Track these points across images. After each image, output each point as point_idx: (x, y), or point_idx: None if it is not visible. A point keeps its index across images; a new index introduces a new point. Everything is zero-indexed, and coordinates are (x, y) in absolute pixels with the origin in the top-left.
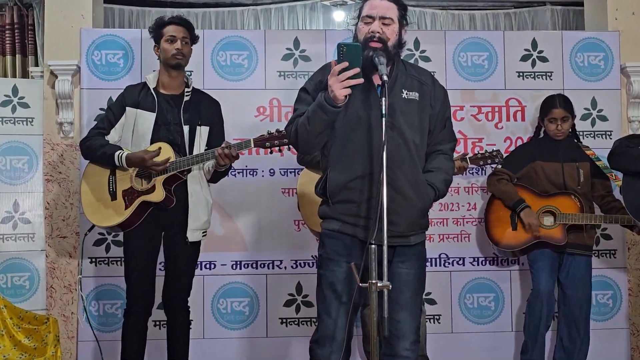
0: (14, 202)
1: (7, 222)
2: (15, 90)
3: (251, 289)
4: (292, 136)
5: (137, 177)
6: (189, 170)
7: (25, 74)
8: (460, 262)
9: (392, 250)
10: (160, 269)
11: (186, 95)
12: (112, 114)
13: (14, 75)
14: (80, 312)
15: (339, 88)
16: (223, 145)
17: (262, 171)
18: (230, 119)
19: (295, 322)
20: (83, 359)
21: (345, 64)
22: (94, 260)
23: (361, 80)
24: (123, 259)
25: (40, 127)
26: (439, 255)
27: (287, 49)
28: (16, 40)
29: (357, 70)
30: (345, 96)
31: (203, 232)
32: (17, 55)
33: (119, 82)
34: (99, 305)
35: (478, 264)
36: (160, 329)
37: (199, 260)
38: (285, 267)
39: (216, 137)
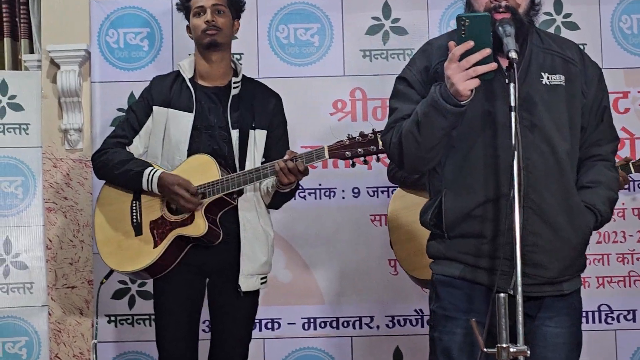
0: (5, 240)
1: None
2: (3, 87)
3: (330, 358)
4: (394, 150)
5: (168, 204)
6: (241, 192)
7: (16, 64)
8: (630, 316)
9: (537, 302)
10: (204, 330)
11: (234, 88)
12: (134, 117)
13: (1, 67)
14: None
15: (463, 79)
16: (286, 156)
17: (343, 191)
18: (296, 119)
19: None
20: None
21: (470, 43)
22: (113, 318)
23: (493, 66)
24: (153, 317)
25: (38, 136)
26: (598, 307)
27: (374, 18)
28: (4, 19)
29: (487, 51)
30: (472, 90)
31: (262, 279)
32: (4, 39)
33: (142, 71)
34: None
35: None
36: None
37: (257, 317)
38: (378, 327)
39: (277, 144)
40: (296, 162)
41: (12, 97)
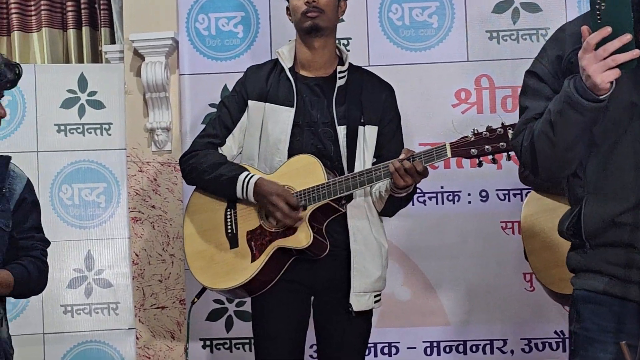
0: (87, 255)
1: (76, 287)
2: (82, 83)
3: None
4: (526, 154)
5: (267, 212)
6: (350, 198)
7: (96, 56)
8: None
9: None
10: (311, 356)
11: (340, 78)
12: (227, 114)
13: (80, 60)
14: None
15: (600, 70)
16: (402, 155)
17: (469, 195)
18: (412, 113)
19: None
20: None
21: (607, 29)
22: (208, 343)
23: (636, 53)
24: (253, 341)
25: (122, 137)
26: None
27: None
28: (82, 7)
29: (627, 37)
30: (612, 82)
31: (376, 296)
32: (83, 29)
33: (237, 61)
34: None
35: None
36: None
37: (371, 340)
38: (512, 352)
39: (390, 142)
40: (413, 161)
41: (92, 93)
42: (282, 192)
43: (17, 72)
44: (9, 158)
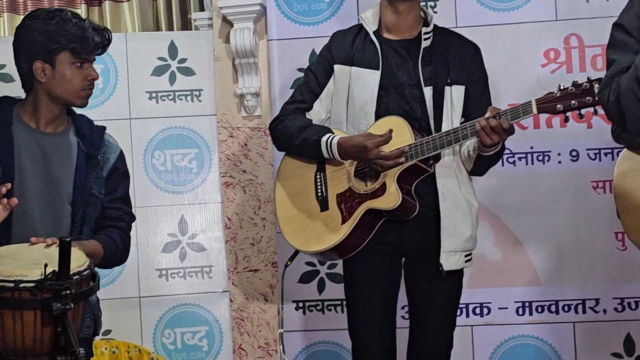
0: (180, 219)
1: (171, 251)
2: (172, 50)
3: (550, 347)
4: (613, 109)
5: (357, 173)
6: (438, 158)
7: (185, 24)
8: None
9: None
10: (402, 317)
11: (425, 39)
12: (314, 79)
13: (169, 28)
14: None
15: None
16: (488, 113)
17: (559, 154)
18: (500, 73)
19: None
20: None
21: None
22: (301, 305)
23: None
24: (345, 302)
25: (212, 103)
26: None
27: None
28: None
29: None
30: None
31: (467, 256)
32: None
33: (324, 26)
34: None
35: None
36: None
37: (462, 301)
38: (604, 311)
39: (477, 102)
40: (499, 119)
41: (182, 60)
42: (369, 141)
43: (107, 37)
44: (104, 128)
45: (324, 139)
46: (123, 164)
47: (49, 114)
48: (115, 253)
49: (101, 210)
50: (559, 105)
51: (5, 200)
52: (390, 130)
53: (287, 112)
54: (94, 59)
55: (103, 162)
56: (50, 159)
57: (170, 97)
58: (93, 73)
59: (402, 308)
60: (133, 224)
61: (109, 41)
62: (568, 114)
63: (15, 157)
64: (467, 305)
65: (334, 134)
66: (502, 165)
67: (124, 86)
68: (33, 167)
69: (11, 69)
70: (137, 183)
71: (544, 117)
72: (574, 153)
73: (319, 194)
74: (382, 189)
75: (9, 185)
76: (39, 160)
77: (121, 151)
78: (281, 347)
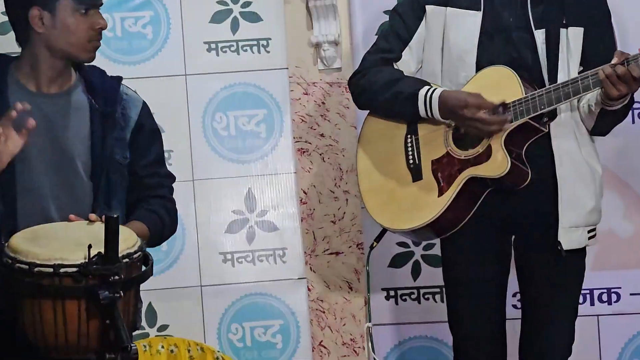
0: (247, 193)
1: (236, 231)
2: None
3: None
4: None
5: (456, 135)
6: (553, 115)
7: None
8: None
9: None
10: (514, 306)
11: None
12: (401, 23)
13: None
14: None
15: None
16: (614, 60)
17: None
18: (628, 12)
19: None
20: None
21: None
22: (392, 293)
23: None
24: (444, 290)
25: (283, 54)
26: None
27: None
28: None
29: None
30: None
31: (590, 232)
32: None
33: None
34: None
35: None
36: None
37: (585, 285)
38: None
39: (598, 46)
40: (628, 66)
41: (246, 4)
42: (474, 98)
43: None
44: (120, 78)
45: (423, 91)
46: (149, 120)
47: (51, 71)
48: (163, 228)
49: (135, 180)
50: None
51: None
52: (503, 103)
53: (370, 64)
54: (101, 3)
55: (123, 121)
56: (56, 125)
57: (232, 48)
58: (101, 21)
59: (514, 295)
60: (191, 200)
61: None
62: None
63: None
64: (591, 291)
65: (432, 86)
66: (633, 122)
67: (177, 36)
68: (36, 138)
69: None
70: (194, 151)
71: None
72: None
73: (411, 160)
74: (486, 154)
75: (24, 105)
76: (42, 128)
77: (144, 104)
78: (369, 343)
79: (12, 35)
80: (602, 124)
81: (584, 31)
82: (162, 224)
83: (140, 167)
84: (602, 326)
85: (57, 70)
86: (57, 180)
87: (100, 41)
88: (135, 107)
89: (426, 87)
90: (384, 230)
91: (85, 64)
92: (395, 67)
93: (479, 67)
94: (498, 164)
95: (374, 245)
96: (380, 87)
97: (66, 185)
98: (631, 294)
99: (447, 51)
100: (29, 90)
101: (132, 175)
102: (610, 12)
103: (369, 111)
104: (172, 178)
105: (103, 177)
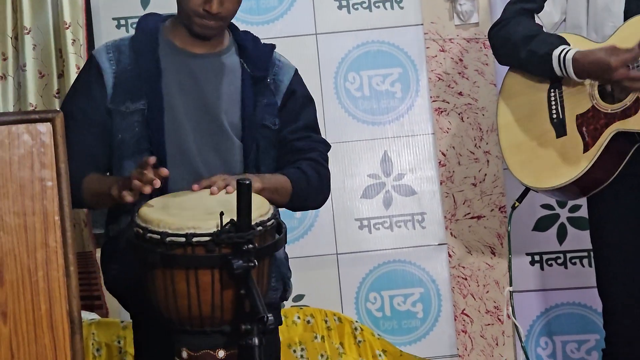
0: (383, 156)
1: (372, 196)
2: None
3: None
4: None
5: (600, 88)
6: None
7: None
8: None
9: None
10: None
11: None
12: None
13: None
14: (520, 358)
15: None
16: None
17: None
18: None
19: None
20: None
21: None
22: (537, 258)
23: None
24: (592, 254)
25: (417, 9)
26: None
27: None
28: None
29: None
30: None
31: None
32: None
33: None
34: (554, 344)
35: None
36: None
37: None
38: None
39: None
40: None
41: None
42: (614, 58)
43: None
44: (273, 46)
45: (556, 52)
46: (301, 86)
47: None
48: (308, 188)
49: (285, 144)
50: None
51: (157, 180)
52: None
53: (510, 15)
54: None
55: (274, 86)
56: (205, 84)
57: (364, 5)
58: (210, 3)
59: None
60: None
61: None
62: None
63: (163, 85)
64: None
65: (569, 45)
66: None
67: None
68: (184, 96)
69: None
70: (327, 113)
71: None
72: None
73: (554, 115)
74: (635, 106)
75: (153, 159)
76: (190, 86)
77: (296, 71)
78: (511, 310)
79: None
80: None
81: None
82: (307, 184)
83: (290, 132)
84: None
85: None
86: (206, 142)
87: (212, 26)
88: (287, 73)
89: (560, 48)
90: (527, 190)
91: (239, 28)
92: (537, 18)
93: (627, 16)
94: None
95: (516, 205)
96: (518, 41)
97: (216, 147)
98: None
99: (593, 2)
100: (179, 49)
101: (281, 141)
102: None
103: (509, 65)
104: (327, 145)
105: (254, 142)
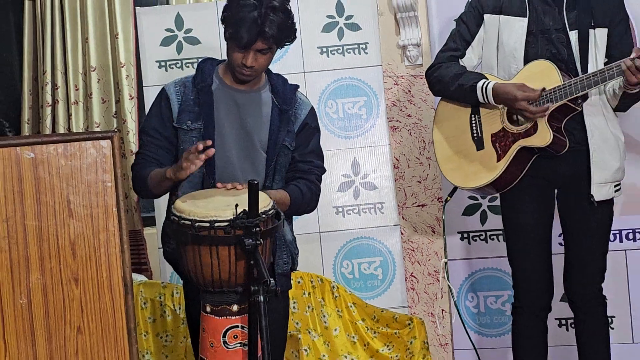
0: (353, 161)
1: (346, 190)
2: (340, 8)
3: None
4: None
5: (508, 114)
6: (585, 98)
7: None
8: None
9: None
10: (560, 244)
11: None
12: (465, 28)
13: None
14: (453, 310)
15: None
16: (633, 54)
17: None
18: None
19: None
20: None
21: None
22: (465, 235)
23: None
24: (504, 232)
25: (377, 54)
26: None
27: None
28: None
29: None
30: None
31: (616, 186)
32: None
33: None
34: (478, 298)
35: None
36: (567, 329)
37: (615, 228)
38: None
39: (619, 42)
40: None
41: (349, 17)
42: (520, 91)
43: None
44: (297, 86)
45: (480, 84)
46: (314, 120)
47: None
48: (302, 201)
49: (293, 163)
50: None
51: (203, 156)
52: (543, 89)
53: (441, 60)
54: (251, 45)
55: (294, 118)
56: (245, 112)
57: (339, 51)
58: (246, 61)
59: (559, 236)
60: None
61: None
62: None
63: (215, 111)
64: (620, 231)
65: (487, 79)
66: None
67: (297, 43)
68: (230, 120)
69: (198, 32)
70: None
71: None
72: None
73: (475, 134)
74: (533, 128)
75: (209, 142)
76: (234, 113)
77: (312, 108)
78: (446, 274)
79: (204, 44)
80: (623, 103)
81: (607, 31)
82: (301, 199)
83: (299, 154)
84: (629, 259)
85: None
86: (242, 153)
87: (247, 74)
88: (305, 109)
89: (482, 81)
90: (455, 188)
91: (272, 72)
92: (461, 62)
93: (526, 61)
94: (543, 137)
95: (448, 199)
96: (449, 79)
97: (249, 158)
98: None
99: (501, 49)
100: (227, 85)
101: (292, 159)
102: (628, 16)
103: (441, 96)
104: (323, 169)
105: (274, 156)
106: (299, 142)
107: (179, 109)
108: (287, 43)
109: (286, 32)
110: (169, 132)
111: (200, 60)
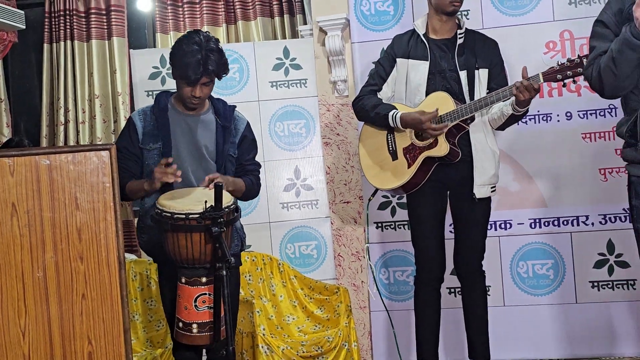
0: (295, 168)
1: (289, 190)
2: (286, 52)
3: (554, 250)
4: (595, 81)
5: (415, 133)
6: (472, 119)
7: (294, 34)
8: None
9: None
10: (450, 231)
11: (459, 38)
12: (382, 69)
13: (283, 37)
14: (370, 281)
15: None
16: (521, 78)
17: (557, 115)
18: (516, 59)
19: (609, 286)
20: (376, 329)
21: None
22: (380, 225)
23: None
24: (409, 223)
25: (314, 87)
26: None
27: None
28: (283, 1)
29: None
30: None
31: (492, 188)
32: (285, 16)
33: (389, 32)
34: (389, 272)
35: None
36: (455, 296)
37: (491, 219)
38: (592, 224)
39: (496, 78)
40: (530, 81)
41: (293, 59)
42: (423, 116)
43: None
44: (234, 107)
45: (390, 114)
46: (250, 132)
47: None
48: (252, 189)
49: (240, 166)
50: (559, 75)
51: (175, 166)
52: (437, 109)
53: (364, 93)
54: (199, 79)
55: (235, 131)
56: (195, 131)
57: (285, 85)
58: (195, 93)
59: (450, 225)
60: (262, 173)
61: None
62: (565, 81)
63: (172, 133)
64: (495, 222)
65: (397, 110)
66: (518, 124)
67: (253, 78)
68: (184, 138)
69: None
70: (265, 144)
71: (546, 88)
72: (568, 114)
73: (390, 148)
74: (435, 142)
75: (170, 159)
76: (187, 133)
77: (248, 122)
78: (367, 255)
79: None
80: (506, 124)
81: (488, 71)
82: (252, 187)
83: (244, 160)
84: (501, 243)
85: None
86: (195, 163)
87: (196, 103)
88: (242, 124)
89: (392, 111)
90: (376, 190)
91: (214, 97)
92: (379, 95)
93: (427, 93)
94: (443, 148)
95: (371, 198)
96: (369, 109)
97: (201, 167)
98: (518, 224)
99: (409, 85)
100: (179, 112)
101: (238, 164)
102: (503, 60)
103: (364, 121)
104: (260, 166)
105: (222, 164)
106: (242, 151)
107: (143, 132)
108: (223, 75)
109: (222, 67)
110: (136, 150)
111: (157, 93)
